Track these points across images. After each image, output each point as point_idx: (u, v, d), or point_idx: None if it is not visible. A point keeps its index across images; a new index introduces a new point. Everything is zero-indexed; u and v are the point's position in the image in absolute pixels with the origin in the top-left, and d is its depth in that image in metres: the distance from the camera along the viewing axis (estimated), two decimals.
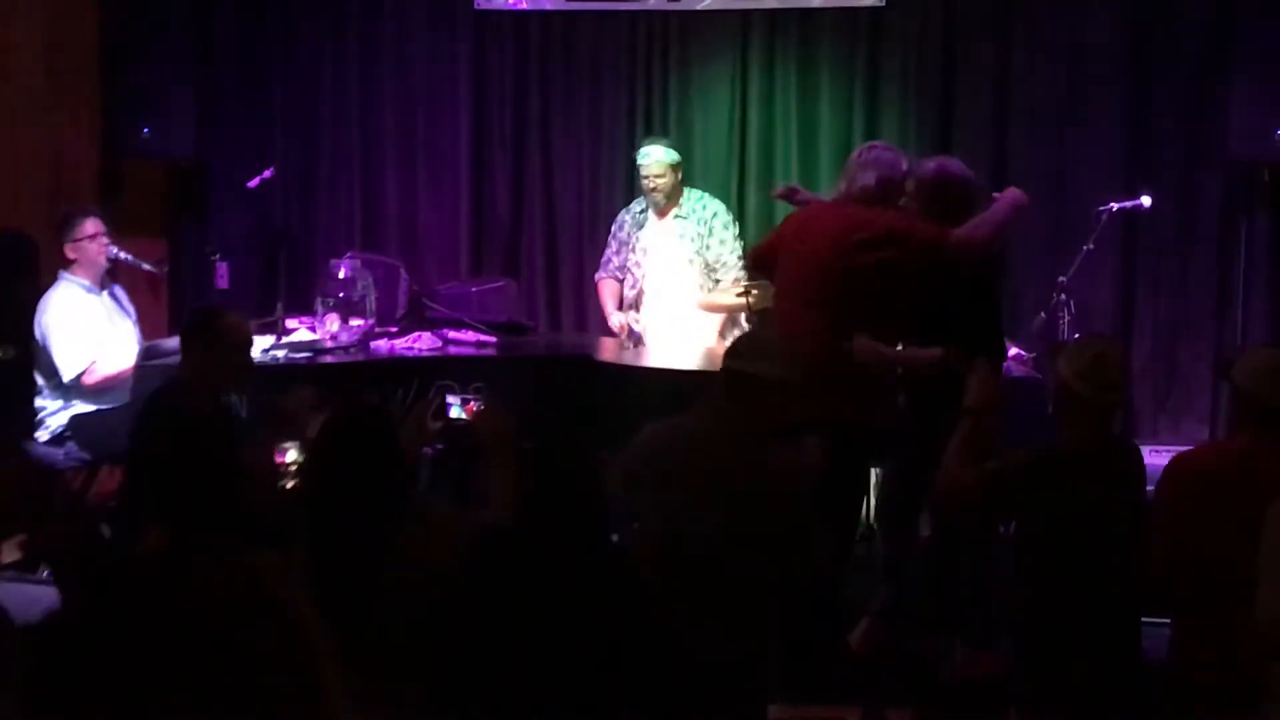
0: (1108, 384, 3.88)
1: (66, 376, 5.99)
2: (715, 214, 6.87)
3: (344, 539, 3.26)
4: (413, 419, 3.91)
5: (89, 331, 6.08)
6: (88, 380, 6.01)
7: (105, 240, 6.23)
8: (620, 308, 6.98)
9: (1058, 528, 3.89)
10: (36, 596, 4.59)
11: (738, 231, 6.97)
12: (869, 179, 5.12)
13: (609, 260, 7.07)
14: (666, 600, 3.91)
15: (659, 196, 6.81)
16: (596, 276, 7.16)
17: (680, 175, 6.89)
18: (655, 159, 6.79)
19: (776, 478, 3.97)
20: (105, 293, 6.30)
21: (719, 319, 6.84)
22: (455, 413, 4.01)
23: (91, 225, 6.22)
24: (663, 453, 4.01)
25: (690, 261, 6.83)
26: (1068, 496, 3.87)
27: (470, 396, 4.02)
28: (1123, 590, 3.90)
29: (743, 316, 6.68)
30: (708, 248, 6.81)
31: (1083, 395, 3.86)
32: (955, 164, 5.21)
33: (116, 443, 5.01)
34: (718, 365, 5.67)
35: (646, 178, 6.81)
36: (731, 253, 6.82)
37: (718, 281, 6.81)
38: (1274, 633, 3.27)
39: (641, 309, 6.94)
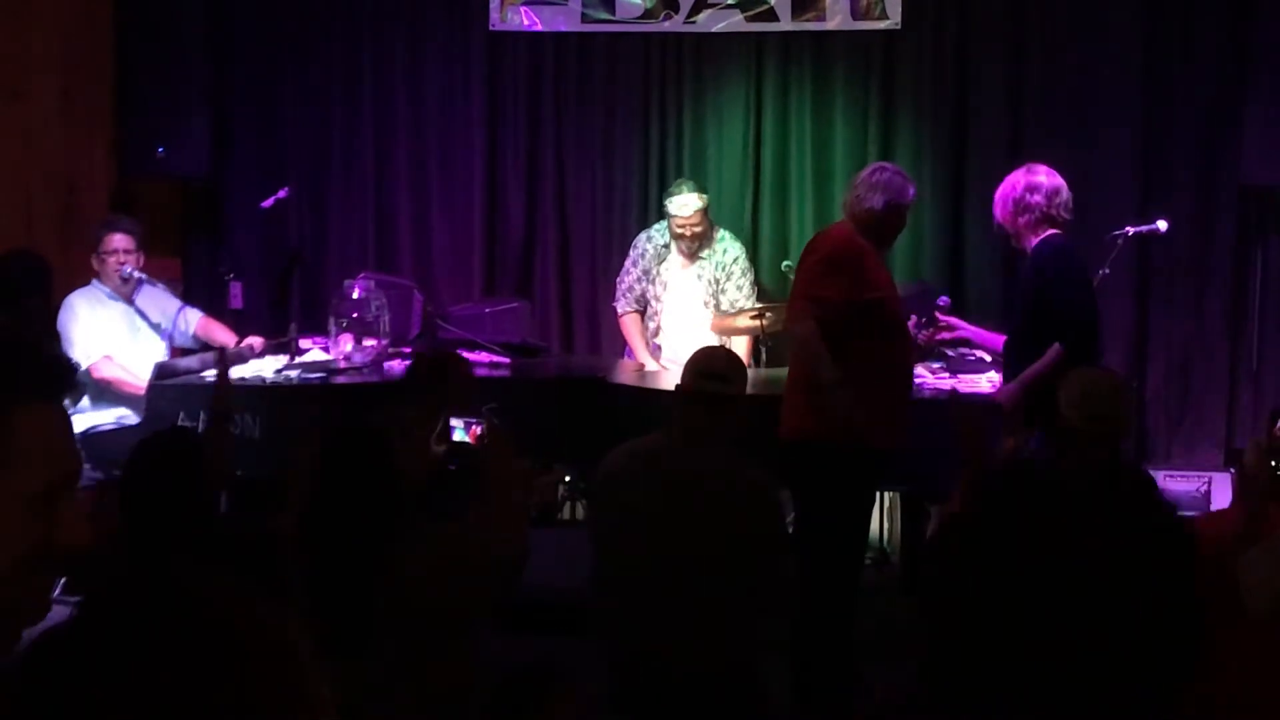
0: (1096, 415, 3.84)
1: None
2: (735, 259, 6.88)
3: (341, 561, 3.24)
4: (416, 441, 3.90)
5: (104, 331, 6.15)
6: (99, 373, 6.03)
7: (121, 259, 6.26)
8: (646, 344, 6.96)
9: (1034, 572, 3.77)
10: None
11: (754, 276, 7.00)
12: (877, 201, 4.97)
13: (630, 289, 6.98)
14: (640, 617, 3.93)
15: (692, 244, 6.78)
16: (620, 309, 7.04)
17: (709, 215, 6.87)
18: (693, 207, 6.69)
19: (748, 487, 3.97)
20: (130, 305, 6.35)
21: (744, 348, 6.79)
22: (459, 436, 4.00)
23: (119, 240, 6.28)
24: (630, 470, 4.03)
25: (705, 304, 6.84)
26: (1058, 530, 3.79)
27: (474, 421, 4.01)
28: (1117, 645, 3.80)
29: (757, 340, 6.68)
30: (723, 291, 6.83)
31: (1071, 423, 3.84)
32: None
33: None
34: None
35: (682, 225, 6.73)
36: (747, 298, 6.83)
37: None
38: (1257, 601, 3.24)
39: (663, 326, 6.93)
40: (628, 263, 7.03)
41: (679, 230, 6.75)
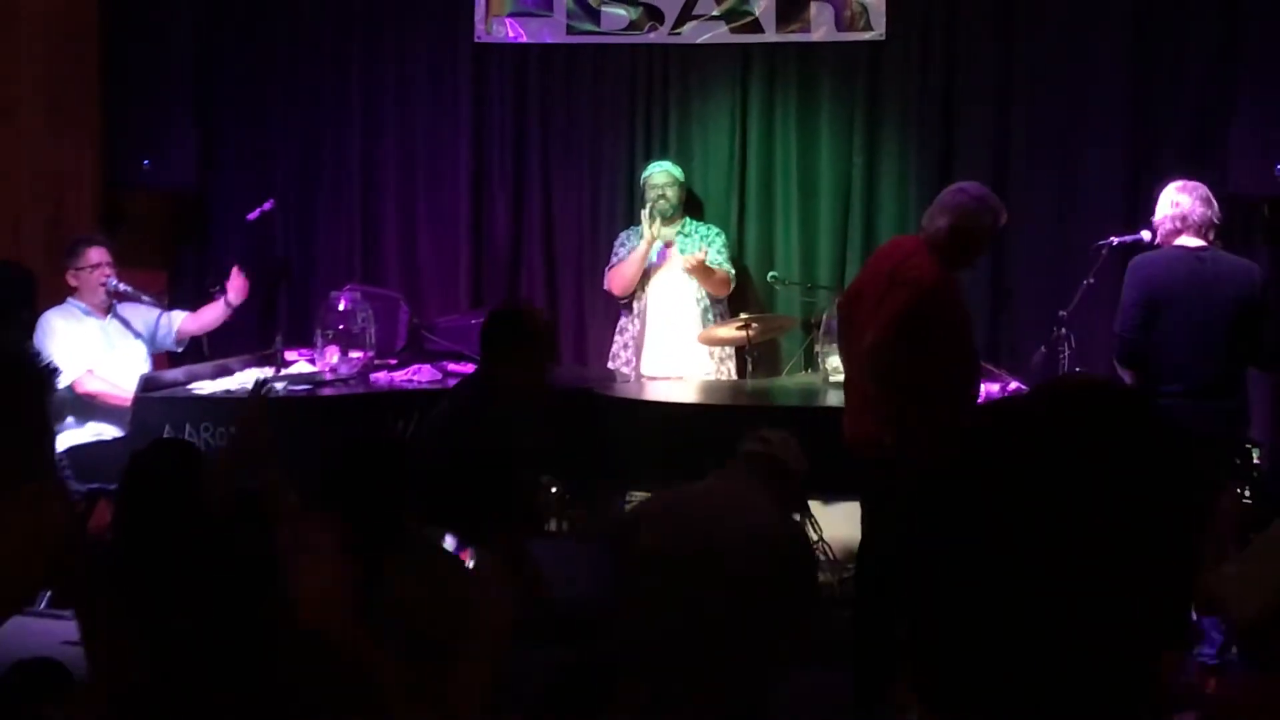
0: None
1: (60, 383, 5.99)
2: (719, 234, 7.15)
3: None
4: None
5: (82, 347, 6.14)
6: (83, 387, 6.02)
7: (106, 272, 6.27)
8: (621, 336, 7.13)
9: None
10: (53, 630, 4.59)
11: (731, 267, 7.15)
12: (942, 223, 4.81)
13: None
14: (661, 653, 3.92)
15: (665, 205, 6.99)
16: (608, 281, 7.22)
17: (684, 196, 7.13)
18: (664, 169, 7.06)
19: (787, 542, 4.01)
20: (110, 317, 6.34)
21: (732, 359, 6.87)
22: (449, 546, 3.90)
23: (96, 254, 6.28)
24: (669, 520, 4.06)
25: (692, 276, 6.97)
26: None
27: (463, 545, 3.92)
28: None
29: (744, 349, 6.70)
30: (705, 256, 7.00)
31: None
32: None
33: (115, 474, 4.97)
34: (717, 400, 5.72)
35: (656, 187, 6.99)
36: (727, 260, 7.05)
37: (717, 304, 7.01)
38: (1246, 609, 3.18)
39: (647, 332, 6.97)
40: (615, 246, 7.25)
41: (652, 194, 7.01)
